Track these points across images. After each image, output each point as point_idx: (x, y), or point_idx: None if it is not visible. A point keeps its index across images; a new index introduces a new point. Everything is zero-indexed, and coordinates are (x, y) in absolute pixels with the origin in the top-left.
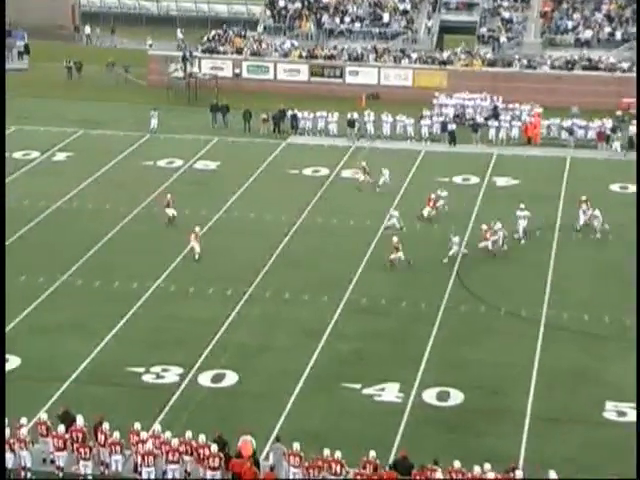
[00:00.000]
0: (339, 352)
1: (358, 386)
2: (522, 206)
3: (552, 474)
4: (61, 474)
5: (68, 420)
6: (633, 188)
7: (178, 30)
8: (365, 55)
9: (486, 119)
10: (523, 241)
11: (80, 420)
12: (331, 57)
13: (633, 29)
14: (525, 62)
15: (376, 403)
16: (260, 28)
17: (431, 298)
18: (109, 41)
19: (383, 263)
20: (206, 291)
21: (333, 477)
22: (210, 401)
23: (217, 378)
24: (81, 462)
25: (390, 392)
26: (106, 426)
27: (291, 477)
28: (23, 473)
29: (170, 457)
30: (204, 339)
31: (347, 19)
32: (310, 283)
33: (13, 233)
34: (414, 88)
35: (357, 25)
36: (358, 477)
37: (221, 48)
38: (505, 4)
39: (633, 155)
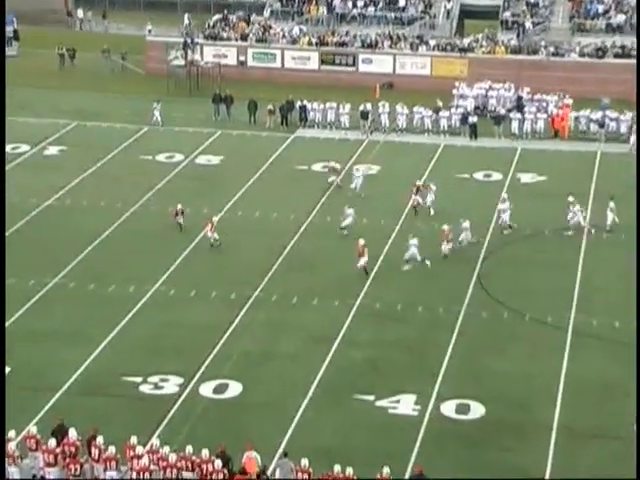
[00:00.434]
0: (351, 361)
1: (371, 398)
2: (505, 196)
3: None
4: None
5: (61, 434)
6: None
7: (185, 15)
8: (379, 42)
9: (509, 111)
10: (506, 232)
11: (73, 433)
12: (343, 44)
13: None
14: (552, 49)
15: (391, 416)
16: (267, 12)
17: (450, 303)
18: (104, 26)
19: (398, 265)
20: (208, 295)
21: None
22: (212, 413)
23: (220, 389)
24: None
25: (406, 404)
26: (100, 440)
27: None
28: None
29: (168, 474)
30: (206, 347)
31: (360, 3)
32: (319, 286)
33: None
34: (432, 77)
35: (371, 9)
36: None
37: (225, 34)
38: None
39: None
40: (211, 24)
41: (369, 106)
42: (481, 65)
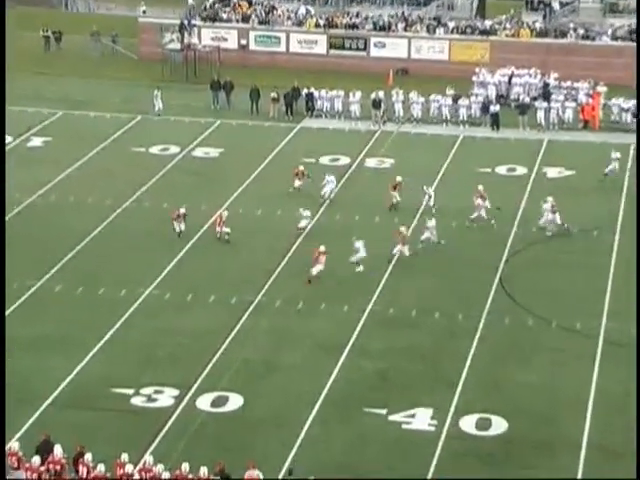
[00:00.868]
0: (361, 372)
1: (383, 412)
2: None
3: None
4: None
5: (46, 450)
6: None
7: None
8: (393, 24)
9: (535, 99)
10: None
11: (58, 450)
12: (353, 26)
13: None
14: (582, 32)
15: (405, 432)
16: None
17: (469, 308)
18: (92, 6)
19: (413, 267)
20: (206, 299)
21: None
22: (210, 429)
23: (218, 402)
24: None
25: (421, 419)
26: (89, 457)
27: None
28: None
29: None
30: (203, 356)
31: None
32: (327, 290)
33: None
34: (450, 63)
35: None
36: None
37: (224, 15)
38: None
39: None
40: (209, 4)
41: (381, 94)
42: (504, 49)
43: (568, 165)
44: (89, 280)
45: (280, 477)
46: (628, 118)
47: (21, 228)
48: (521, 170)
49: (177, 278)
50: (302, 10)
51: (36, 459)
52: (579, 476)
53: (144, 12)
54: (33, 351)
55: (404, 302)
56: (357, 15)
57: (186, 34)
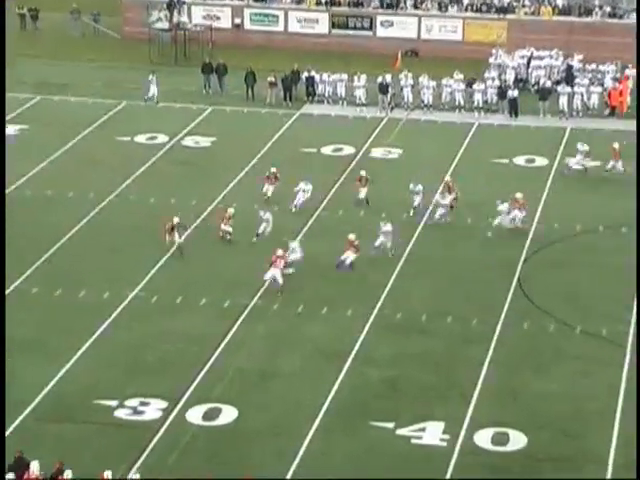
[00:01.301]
0: (367, 381)
1: (391, 425)
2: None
3: None
4: None
5: (21, 468)
6: None
7: None
8: (402, 1)
9: (557, 83)
10: (411, 212)
11: (35, 467)
12: (358, 4)
13: None
14: (608, 9)
15: (414, 447)
16: None
17: (485, 312)
18: None
19: (422, 268)
20: (197, 303)
21: None
22: (201, 443)
23: (210, 414)
24: None
25: (432, 433)
26: (69, 474)
27: None
28: None
29: None
30: (194, 364)
31: None
32: (330, 293)
33: None
34: (464, 43)
35: None
36: None
37: None
38: None
39: None
40: None
41: (389, 78)
42: (523, 29)
43: (593, 156)
44: (69, 281)
45: None
46: None
47: None
48: (541, 161)
49: (165, 279)
50: None
51: (10, 477)
52: None
53: None
54: (8, 359)
55: (413, 305)
56: None
57: (175, 12)
